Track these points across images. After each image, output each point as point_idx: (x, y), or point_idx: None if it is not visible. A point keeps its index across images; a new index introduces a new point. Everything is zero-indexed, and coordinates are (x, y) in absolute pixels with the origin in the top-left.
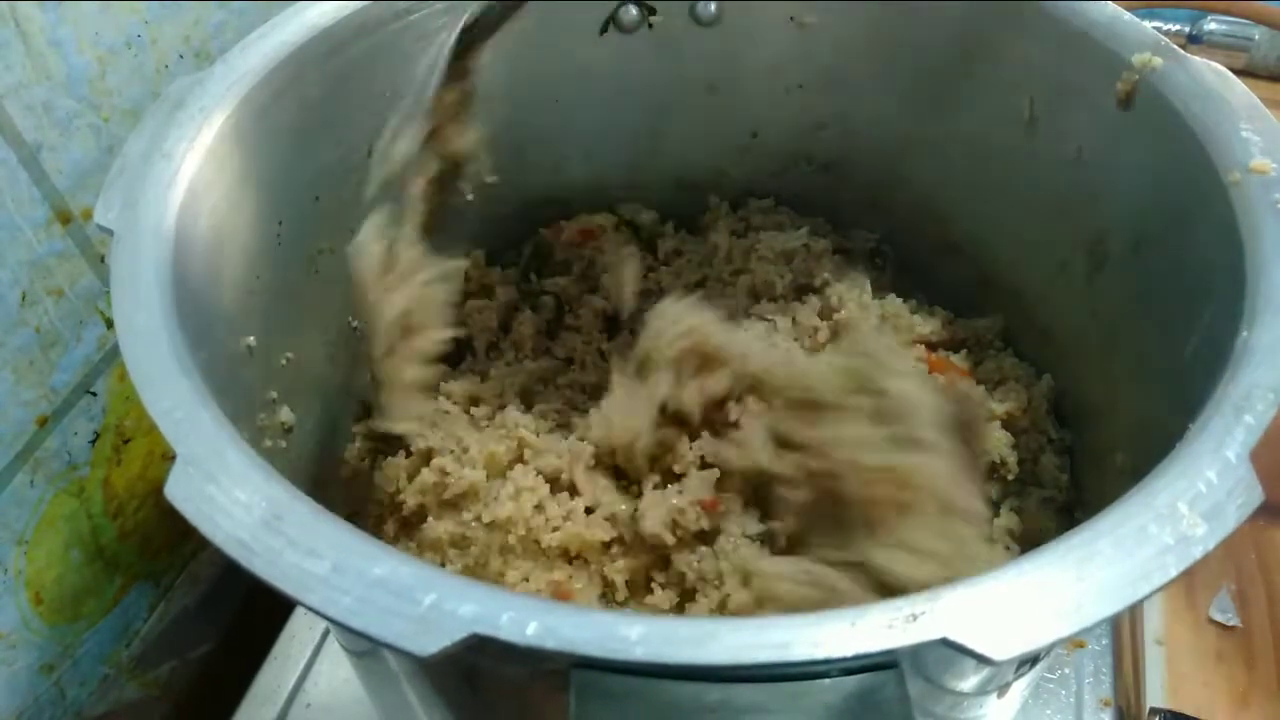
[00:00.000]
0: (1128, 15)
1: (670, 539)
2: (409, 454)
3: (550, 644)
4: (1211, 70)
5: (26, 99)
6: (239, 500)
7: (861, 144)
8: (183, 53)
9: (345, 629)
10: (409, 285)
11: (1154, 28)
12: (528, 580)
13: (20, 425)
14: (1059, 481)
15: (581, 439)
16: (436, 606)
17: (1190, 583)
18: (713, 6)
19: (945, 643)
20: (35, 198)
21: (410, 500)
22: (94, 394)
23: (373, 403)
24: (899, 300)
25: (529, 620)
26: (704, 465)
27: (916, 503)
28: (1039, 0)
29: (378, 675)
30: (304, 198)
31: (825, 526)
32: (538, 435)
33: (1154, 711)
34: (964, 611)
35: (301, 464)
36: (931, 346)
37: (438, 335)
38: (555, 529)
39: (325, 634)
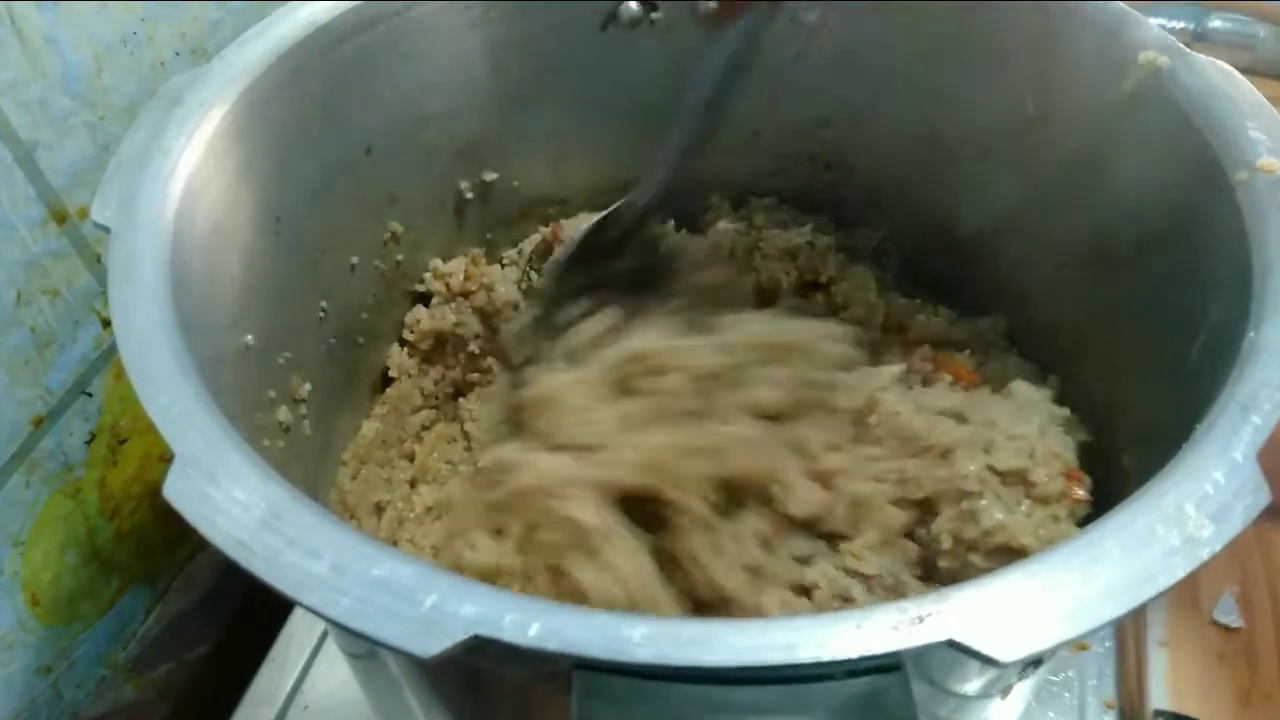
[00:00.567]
0: (1132, 12)
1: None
2: None
3: (553, 645)
4: (1217, 68)
5: (22, 97)
6: (238, 500)
7: (864, 142)
8: (179, 50)
9: (345, 630)
10: None
11: (1158, 25)
12: None
13: (15, 426)
14: None
15: None
16: (438, 607)
17: (1194, 585)
18: (713, 3)
19: (951, 644)
20: (30, 196)
21: None
22: (89, 394)
23: None
24: (902, 299)
25: (531, 621)
26: None
27: None
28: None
29: (376, 678)
30: (303, 194)
31: None
32: None
33: (1157, 714)
34: (970, 613)
35: (300, 463)
36: (936, 345)
37: None
38: None
39: (323, 636)
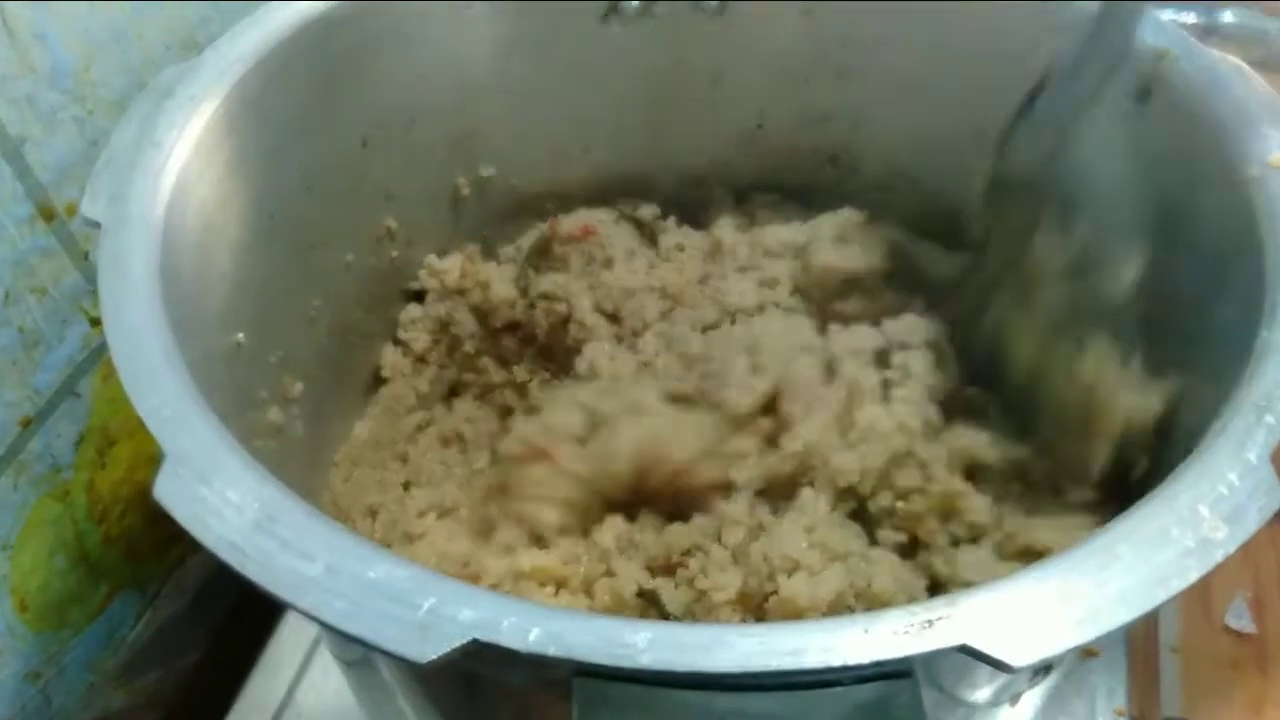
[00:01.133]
0: (1143, 7)
1: None
2: None
3: (553, 651)
4: (1229, 64)
5: (10, 92)
6: (230, 501)
7: (868, 136)
8: (169, 45)
9: (340, 634)
10: None
11: (1169, 20)
12: None
13: (3, 427)
14: None
15: None
16: (435, 611)
17: (1206, 590)
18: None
19: (963, 649)
20: (18, 193)
21: None
22: (78, 395)
23: None
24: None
25: (531, 626)
26: None
27: None
28: None
29: (370, 685)
30: (296, 189)
31: None
32: None
33: None
34: (981, 618)
35: (292, 465)
36: None
37: None
38: None
39: (315, 643)
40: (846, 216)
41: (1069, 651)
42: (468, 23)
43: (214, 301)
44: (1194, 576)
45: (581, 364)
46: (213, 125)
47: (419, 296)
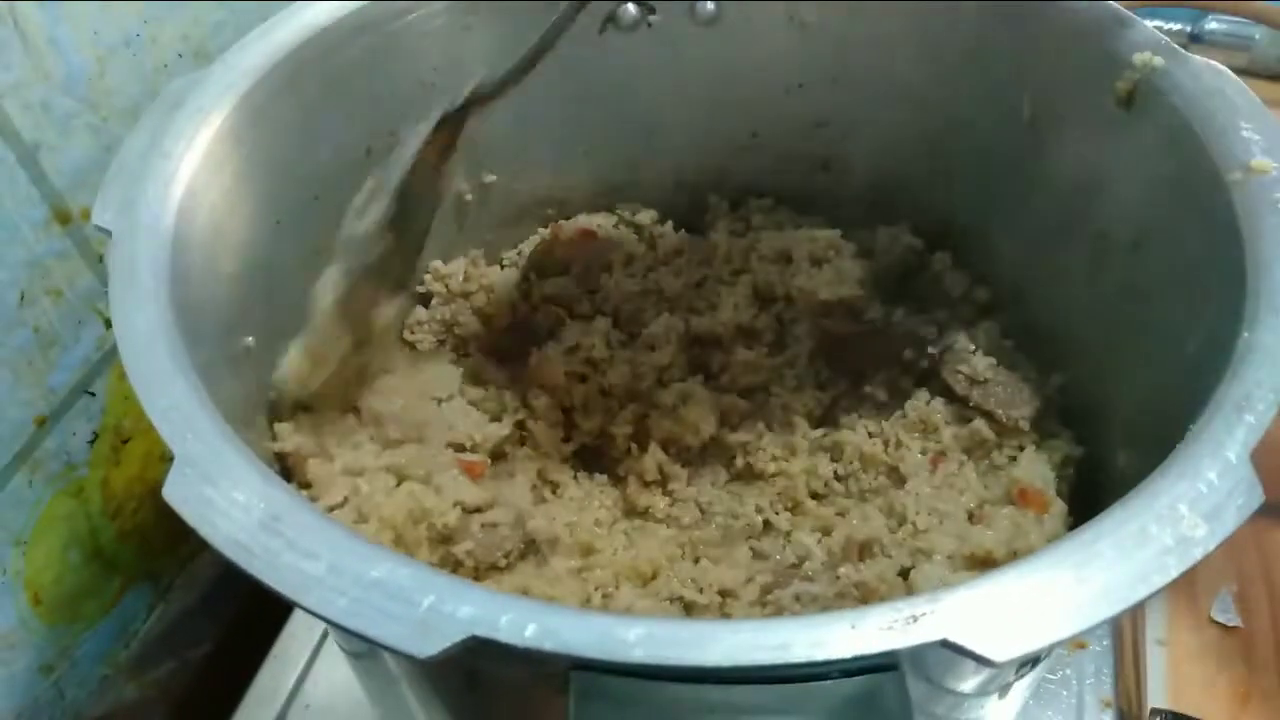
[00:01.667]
0: (1128, 14)
1: None
2: None
3: (549, 646)
4: (1212, 70)
5: (25, 98)
6: (237, 501)
7: (861, 143)
8: (181, 51)
9: (343, 630)
10: None
11: (1155, 27)
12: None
13: (19, 425)
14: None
15: None
16: (435, 608)
17: (1192, 583)
18: (711, 5)
19: (945, 644)
20: (34, 197)
21: None
22: (92, 394)
23: None
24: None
25: (528, 622)
26: None
27: None
28: (1039, 0)
29: (376, 677)
30: (303, 197)
31: None
32: None
33: (1155, 712)
34: (964, 613)
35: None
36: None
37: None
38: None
39: (324, 635)
40: (825, 237)
41: (1050, 647)
42: (469, 35)
43: (223, 306)
44: (1174, 574)
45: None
46: (221, 135)
47: (425, 300)
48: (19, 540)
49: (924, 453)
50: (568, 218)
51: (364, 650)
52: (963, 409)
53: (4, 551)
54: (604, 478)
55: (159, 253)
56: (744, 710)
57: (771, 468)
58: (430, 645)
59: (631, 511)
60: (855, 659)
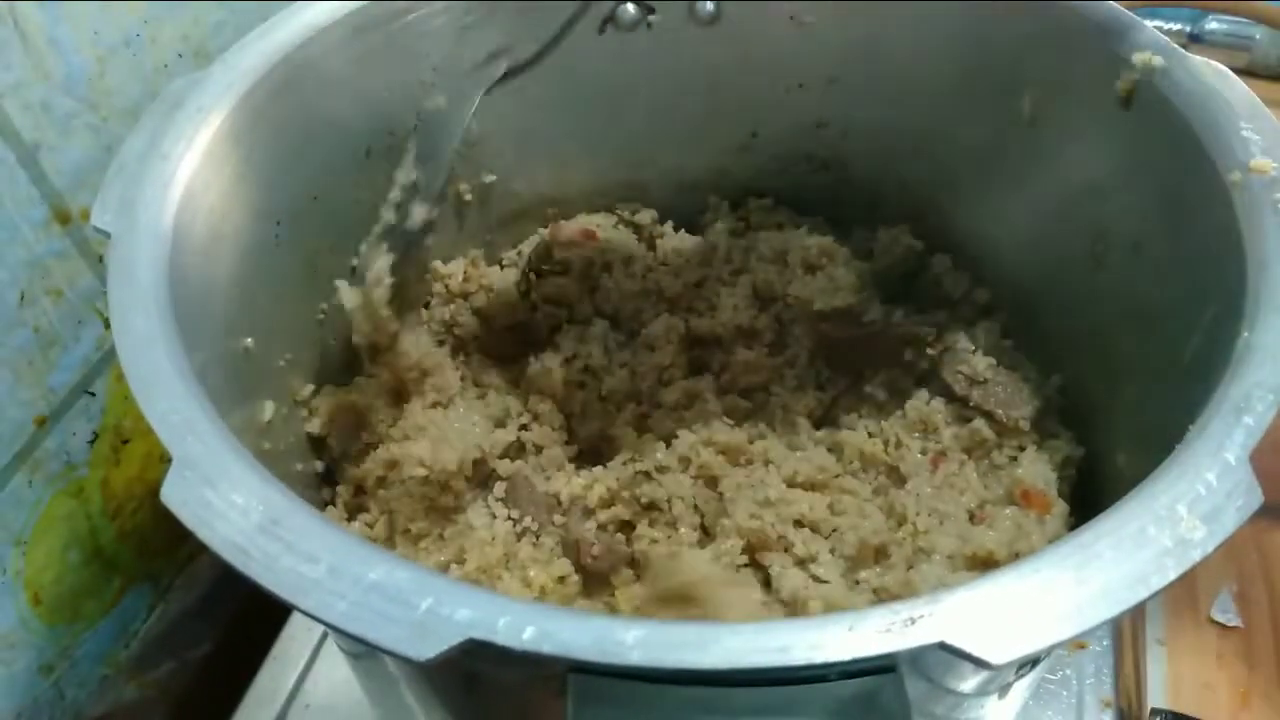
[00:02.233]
0: (1128, 14)
1: None
2: None
3: (547, 648)
4: (1212, 69)
5: (25, 98)
6: (235, 504)
7: (861, 143)
8: (181, 52)
9: (342, 633)
10: None
11: (1155, 27)
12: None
13: (19, 425)
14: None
15: None
16: (433, 611)
17: (1192, 583)
18: (711, 5)
19: (943, 647)
20: (34, 197)
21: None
22: (92, 394)
23: None
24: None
25: (525, 625)
26: None
27: None
28: (1039, 0)
29: (376, 678)
30: (302, 197)
31: None
32: None
33: (1155, 712)
34: (962, 615)
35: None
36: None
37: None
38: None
39: (324, 636)
40: (818, 243)
41: (1048, 649)
42: (468, 35)
43: (222, 307)
44: (1172, 575)
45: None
46: (221, 136)
47: (424, 300)
48: (19, 540)
49: (924, 453)
50: (568, 218)
51: (363, 652)
52: (963, 409)
53: (4, 551)
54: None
55: (158, 253)
56: (742, 712)
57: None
58: (428, 648)
59: None
60: (854, 661)
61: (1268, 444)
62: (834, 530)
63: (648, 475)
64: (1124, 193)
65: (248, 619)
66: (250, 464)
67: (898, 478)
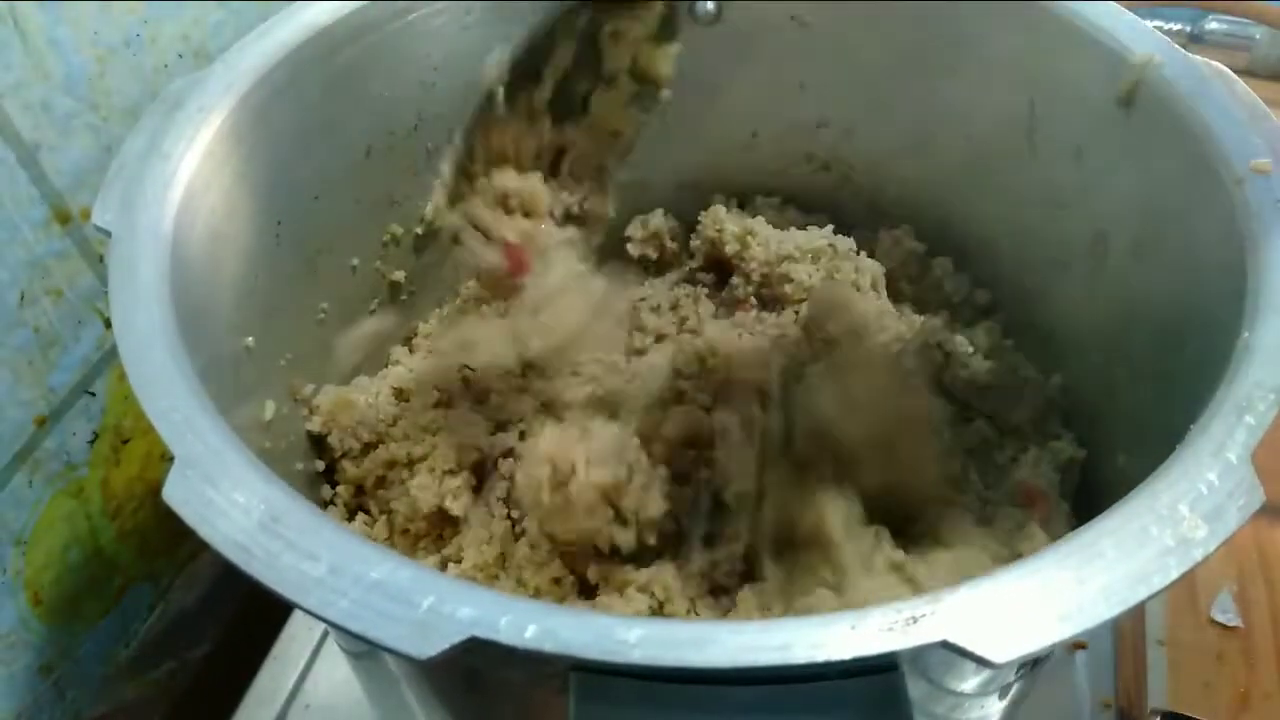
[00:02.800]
0: (1129, 14)
1: None
2: None
3: (549, 647)
4: (1212, 69)
5: (25, 98)
6: (237, 502)
7: (862, 143)
8: (181, 52)
9: (343, 632)
10: None
11: (1155, 27)
12: None
13: (19, 425)
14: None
15: None
16: (435, 609)
17: (1192, 583)
18: (711, 5)
19: (945, 645)
20: (34, 197)
21: None
22: (92, 394)
23: None
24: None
25: (528, 623)
26: None
27: None
28: (1040, 0)
29: (377, 677)
30: (303, 197)
31: None
32: None
33: (1155, 712)
34: (964, 614)
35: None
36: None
37: None
38: None
39: (324, 635)
40: (815, 247)
41: (1050, 648)
42: (468, 34)
43: (223, 306)
44: (1174, 575)
45: None
46: (221, 136)
47: None
48: (19, 540)
49: None
50: None
51: (364, 651)
52: (963, 409)
53: (4, 551)
54: None
55: (159, 253)
56: (744, 710)
57: None
58: (430, 646)
59: None
60: (855, 660)
61: (1268, 443)
62: None
63: None
64: (1124, 193)
65: (248, 619)
66: (251, 462)
67: None
